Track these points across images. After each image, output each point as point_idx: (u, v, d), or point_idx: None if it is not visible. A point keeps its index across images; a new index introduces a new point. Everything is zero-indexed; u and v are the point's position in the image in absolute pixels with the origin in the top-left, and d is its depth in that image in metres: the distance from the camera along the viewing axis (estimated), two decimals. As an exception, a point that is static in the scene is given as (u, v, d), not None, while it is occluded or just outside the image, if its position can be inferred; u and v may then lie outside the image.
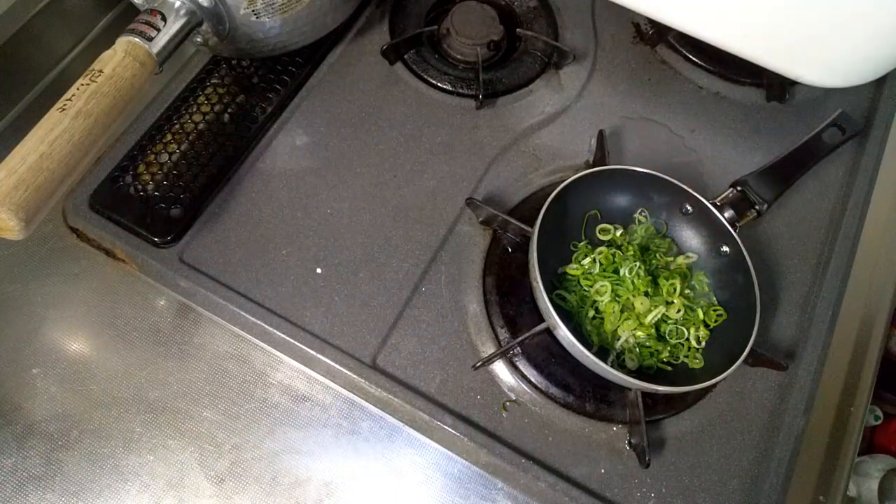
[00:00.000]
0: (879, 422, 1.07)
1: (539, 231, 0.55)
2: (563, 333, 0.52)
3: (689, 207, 0.61)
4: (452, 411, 0.55)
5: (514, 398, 0.56)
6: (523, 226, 0.59)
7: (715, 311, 0.58)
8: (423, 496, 0.54)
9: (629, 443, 0.55)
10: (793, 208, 0.66)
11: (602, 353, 0.56)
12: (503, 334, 0.58)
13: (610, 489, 0.53)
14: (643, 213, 0.62)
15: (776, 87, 0.71)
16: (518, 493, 0.53)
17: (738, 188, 0.61)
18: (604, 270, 0.58)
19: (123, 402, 0.55)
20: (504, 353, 0.57)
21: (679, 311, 0.57)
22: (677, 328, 0.57)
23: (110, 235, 0.59)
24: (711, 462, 0.55)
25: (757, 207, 0.60)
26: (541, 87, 0.70)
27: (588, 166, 0.66)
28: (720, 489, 0.54)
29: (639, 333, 0.56)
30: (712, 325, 0.58)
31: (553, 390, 0.56)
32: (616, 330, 0.56)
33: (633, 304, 0.57)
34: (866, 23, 0.57)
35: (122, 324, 0.57)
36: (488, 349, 0.57)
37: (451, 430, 0.54)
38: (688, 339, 0.57)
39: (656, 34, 0.74)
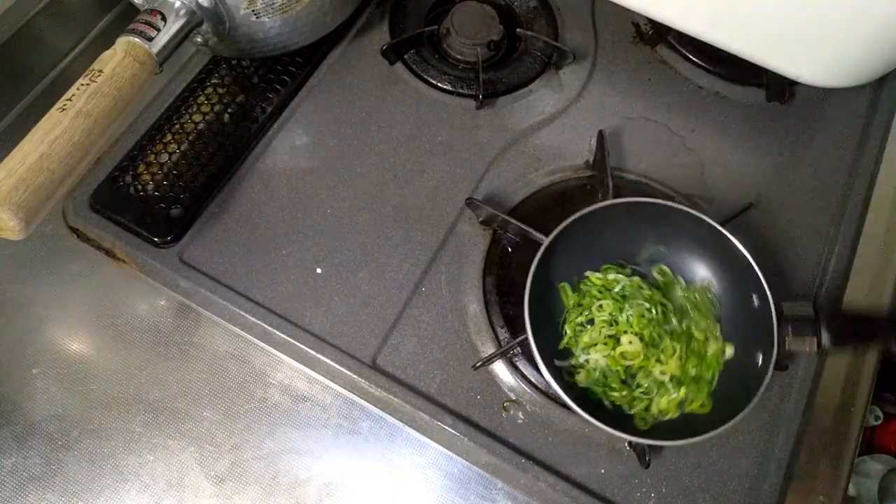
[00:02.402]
0: (879, 422, 1.07)
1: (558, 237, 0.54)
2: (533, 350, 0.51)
3: (755, 300, 0.54)
4: (452, 411, 0.55)
5: (514, 398, 0.56)
6: (523, 226, 0.59)
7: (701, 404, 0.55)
8: (423, 496, 0.54)
9: (629, 443, 0.55)
10: (794, 207, 0.66)
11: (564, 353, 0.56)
12: (503, 334, 0.58)
13: (610, 489, 0.53)
14: (710, 283, 0.58)
15: (776, 86, 0.70)
16: (518, 493, 0.53)
17: (816, 311, 0.52)
18: (622, 296, 0.57)
19: (123, 402, 0.55)
20: (504, 353, 0.57)
21: (663, 374, 0.54)
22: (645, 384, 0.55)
23: (110, 235, 0.59)
24: (711, 462, 0.55)
25: (818, 344, 0.51)
26: (541, 87, 0.70)
27: (588, 166, 0.66)
28: (720, 489, 0.54)
29: (600, 359, 0.55)
30: (689, 409, 0.55)
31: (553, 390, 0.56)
32: (588, 345, 0.55)
33: (618, 337, 0.55)
34: (867, 23, 0.57)
35: (121, 324, 0.57)
36: (488, 349, 0.57)
37: (451, 430, 0.54)
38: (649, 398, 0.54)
39: (656, 34, 0.74)
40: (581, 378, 0.55)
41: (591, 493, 0.53)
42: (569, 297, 0.58)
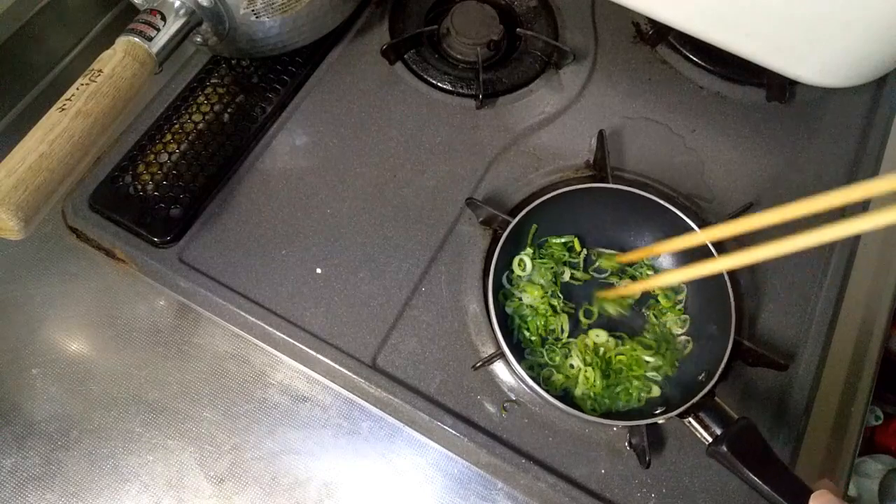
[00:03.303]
0: (880, 422, 1.07)
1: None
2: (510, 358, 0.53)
3: (716, 330, 0.56)
4: (452, 411, 0.55)
5: (514, 398, 0.56)
6: (523, 226, 0.59)
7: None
8: (423, 496, 0.54)
9: (629, 443, 0.55)
10: (793, 208, 0.66)
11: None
12: (503, 334, 0.58)
13: (610, 489, 0.53)
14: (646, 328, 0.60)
15: (776, 86, 0.70)
16: (518, 493, 0.53)
17: (710, 407, 0.51)
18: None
19: (123, 403, 0.55)
20: (504, 354, 0.56)
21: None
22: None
23: (110, 235, 0.59)
24: (712, 462, 0.55)
25: (709, 434, 0.51)
26: (541, 87, 0.70)
27: (588, 166, 0.66)
28: (720, 489, 0.54)
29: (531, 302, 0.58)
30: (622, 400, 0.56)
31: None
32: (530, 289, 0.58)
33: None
34: (867, 23, 0.57)
35: (121, 324, 0.57)
36: (488, 349, 0.57)
37: (451, 430, 0.54)
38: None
39: (657, 34, 0.74)
40: (511, 305, 0.59)
41: (591, 494, 0.53)
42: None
